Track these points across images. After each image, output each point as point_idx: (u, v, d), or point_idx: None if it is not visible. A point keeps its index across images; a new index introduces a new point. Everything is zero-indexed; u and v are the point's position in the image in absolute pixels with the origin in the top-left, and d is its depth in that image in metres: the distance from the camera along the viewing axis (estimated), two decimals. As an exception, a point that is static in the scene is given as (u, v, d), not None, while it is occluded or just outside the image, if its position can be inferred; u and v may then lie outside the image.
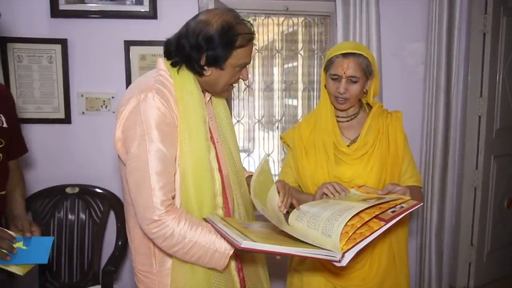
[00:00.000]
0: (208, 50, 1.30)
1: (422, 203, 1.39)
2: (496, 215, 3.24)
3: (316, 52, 3.03)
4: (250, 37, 1.34)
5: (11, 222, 1.71)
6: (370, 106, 1.79)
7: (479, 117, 3.02)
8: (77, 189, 2.58)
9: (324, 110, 1.75)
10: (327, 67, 1.69)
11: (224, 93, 1.46)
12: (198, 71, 1.35)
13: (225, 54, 1.31)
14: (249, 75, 2.89)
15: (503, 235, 3.35)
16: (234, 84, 1.44)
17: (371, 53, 1.69)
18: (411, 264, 2.87)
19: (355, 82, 1.63)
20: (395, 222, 1.28)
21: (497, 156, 3.16)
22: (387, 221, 1.26)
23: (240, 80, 1.45)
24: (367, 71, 1.65)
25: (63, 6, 2.53)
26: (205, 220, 1.32)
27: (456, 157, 3.00)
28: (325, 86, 1.73)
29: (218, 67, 1.34)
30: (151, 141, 1.24)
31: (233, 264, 1.44)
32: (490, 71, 2.98)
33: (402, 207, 1.35)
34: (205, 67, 1.34)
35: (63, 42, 2.57)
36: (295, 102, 3.10)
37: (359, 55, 1.62)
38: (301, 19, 3.00)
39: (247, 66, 1.42)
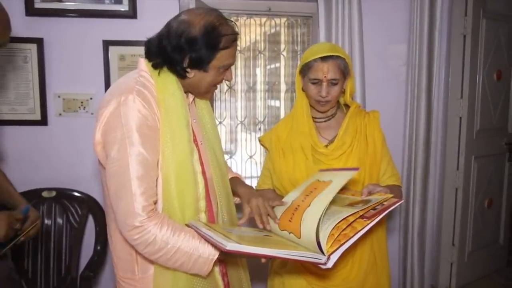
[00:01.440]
0: (191, 52, 1.27)
1: (402, 200, 1.40)
2: (477, 216, 3.27)
3: (298, 53, 3.02)
4: (234, 38, 1.31)
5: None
6: (347, 106, 1.79)
7: (460, 118, 3.04)
8: (54, 193, 2.52)
9: (300, 112, 1.75)
10: (304, 71, 1.68)
11: (207, 94, 1.43)
12: (180, 74, 1.31)
13: (208, 56, 1.28)
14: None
15: (484, 235, 3.38)
16: (217, 85, 1.42)
17: (346, 54, 1.70)
18: (393, 264, 2.89)
19: (335, 84, 1.63)
20: (378, 220, 1.27)
21: (477, 157, 3.19)
22: (369, 218, 1.25)
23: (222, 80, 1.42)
24: (345, 72, 1.65)
25: (38, 4, 2.46)
26: (188, 225, 1.29)
27: (437, 158, 3.02)
28: (303, 89, 1.73)
29: (201, 69, 1.30)
30: (132, 145, 1.21)
31: (217, 269, 1.41)
32: (471, 73, 3.00)
33: (383, 205, 1.34)
34: (188, 69, 1.30)
35: (39, 42, 2.50)
36: (277, 103, 3.09)
37: (337, 57, 1.62)
38: (283, 19, 2.99)
39: (231, 66, 1.39)
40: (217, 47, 1.27)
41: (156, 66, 1.32)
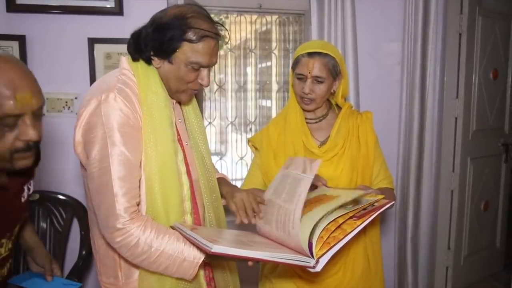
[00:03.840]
0: (154, 37, 1.26)
1: (393, 202, 1.38)
2: (473, 218, 3.23)
3: (290, 51, 2.99)
4: (203, 34, 1.25)
5: (29, 254, 1.59)
6: (339, 107, 1.78)
7: (456, 118, 3.01)
8: (37, 196, 2.42)
9: (293, 111, 1.73)
10: (294, 66, 1.67)
11: (181, 94, 1.35)
12: (147, 61, 1.30)
13: (170, 44, 1.25)
14: (221, 75, 2.88)
15: (480, 238, 3.35)
16: (192, 88, 1.34)
17: (339, 53, 1.68)
18: (388, 269, 2.84)
19: (321, 82, 1.61)
20: (368, 222, 1.26)
21: (473, 158, 3.15)
22: (359, 218, 1.24)
23: (212, 80, 1.37)
24: (333, 71, 1.63)
25: (20, 0, 2.38)
26: (173, 228, 1.27)
27: (432, 159, 2.97)
28: (292, 86, 1.71)
29: (165, 58, 1.27)
30: (113, 145, 1.19)
31: (202, 273, 1.38)
32: (466, 72, 2.97)
33: (373, 206, 1.33)
34: (154, 58, 1.28)
35: (20, 39, 2.43)
36: (269, 103, 3.04)
37: (326, 54, 1.60)
38: (275, 17, 2.95)
39: (209, 70, 1.33)
40: (181, 36, 1.24)
41: (134, 58, 1.31)
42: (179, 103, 1.46)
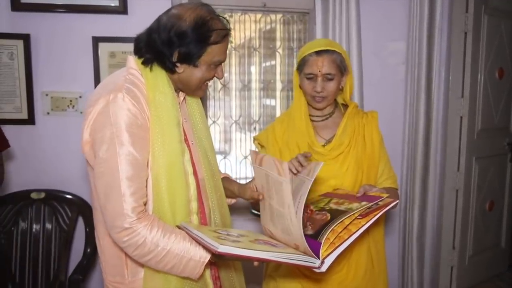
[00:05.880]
0: (180, 46, 1.26)
1: (398, 201, 1.38)
2: (478, 218, 3.22)
3: (295, 50, 2.97)
4: (225, 33, 1.30)
5: None
6: (345, 106, 1.78)
7: (461, 117, 3.00)
8: (43, 194, 2.46)
9: (297, 110, 1.73)
10: (300, 66, 1.67)
11: (198, 91, 1.40)
12: (170, 68, 1.30)
13: (198, 51, 1.27)
14: (225, 74, 2.88)
15: (485, 238, 3.34)
16: (208, 82, 1.40)
17: (343, 49, 1.69)
18: (392, 268, 2.83)
19: (331, 79, 1.62)
20: (373, 221, 1.26)
21: (478, 158, 3.14)
22: (364, 217, 1.25)
23: (216, 79, 1.43)
24: (341, 67, 1.64)
25: (25, -1, 2.39)
26: (179, 227, 1.27)
27: (437, 158, 2.97)
28: (300, 86, 1.71)
29: (191, 63, 1.29)
30: (121, 144, 1.19)
31: (208, 272, 1.39)
32: (472, 71, 2.96)
33: (378, 204, 1.33)
34: (178, 64, 1.29)
35: (25, 38, 2.43)
36: (273, 102, 3.03)
37: (333, 51, 1.62)
38: (279, 16, 2.94)
39: (222, 63, 1.38)
40: (207, 41, 1.26)
41: (146, 62, 1.30)
42: (185, 102, 1.46)
